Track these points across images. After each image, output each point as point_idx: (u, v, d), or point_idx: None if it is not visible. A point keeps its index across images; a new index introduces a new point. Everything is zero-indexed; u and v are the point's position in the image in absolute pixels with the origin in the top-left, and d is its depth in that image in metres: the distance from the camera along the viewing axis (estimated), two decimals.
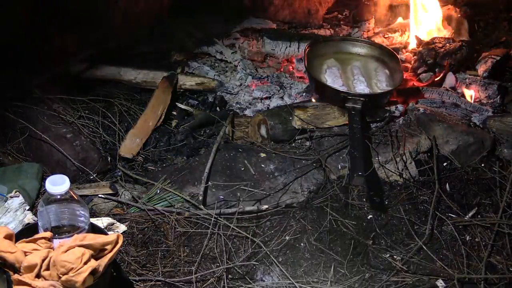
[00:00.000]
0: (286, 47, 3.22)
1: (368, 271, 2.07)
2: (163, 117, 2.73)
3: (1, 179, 2.20)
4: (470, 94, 2.93)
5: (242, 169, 2.38)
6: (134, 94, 2.92)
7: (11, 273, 1.45)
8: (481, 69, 3.07)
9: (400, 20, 3.59)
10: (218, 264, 2.01)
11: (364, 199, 2.31)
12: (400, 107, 2.79)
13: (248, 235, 2.10)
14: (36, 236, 1.51)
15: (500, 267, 2.13)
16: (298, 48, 3.21)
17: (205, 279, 1.96)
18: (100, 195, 2.26)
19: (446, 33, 3.37)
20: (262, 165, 2.40)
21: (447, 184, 2.44)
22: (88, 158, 2.46)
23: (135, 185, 2.38)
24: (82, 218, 1.55)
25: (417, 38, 3.37)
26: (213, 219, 2.12)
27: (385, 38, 3.45)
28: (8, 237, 1.48)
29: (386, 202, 2.33)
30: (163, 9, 3.46)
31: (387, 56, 2.99)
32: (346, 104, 2.56)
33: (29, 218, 2.02)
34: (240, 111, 2.88)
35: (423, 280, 2.05)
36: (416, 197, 2.36)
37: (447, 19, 3.45)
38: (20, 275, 1.44)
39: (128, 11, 3.24)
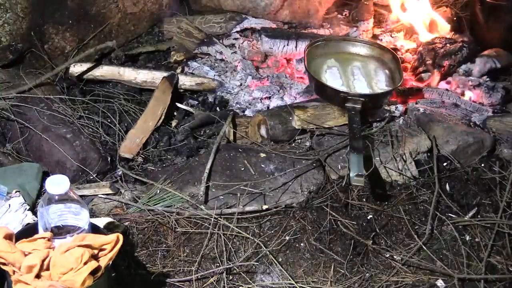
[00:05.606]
0: (284, 46, 3.21)
1: (368, 271, 2.07)
2: (163, 117, 2.73)
3: (1, 179, 2.19)
4: (469, 96, 2.92)
5: (242, 169, 2.38)
6: (134, 94, 2.92)
7: (11, 273, 1.45)
8: (476, 69, 3.05)
9: (398, 19, 3.59)
10: (218, 264, 2.01)
11: (367, 193, 2.31)
12: (400, 107, 2.78)
13: (248, 235, 2.10)
14: (36, 236, 1.51)
15: (500, 267, 2.13)
16: (296, 47, 3.20)
17: (205, 279, 1.96)
18: (100, 195, 2.26)
19: (446, 33, 3.37)
20: (262, 165, 2.40)
21: (447, 184, 2.44)
22: (88, 158, 2.45)
23: (135, 185, 2.38)
24: (82, 218, 1.55)
25: (417, 38, 3.37)
26: (213, 219, 2.11)
27: (384, 39, 3.45)
28: (8, 237, 1.48)
29: (386, 203, 2.34)
30: (162, 9, 3.46)
31: (387, 56, 2.99)
32: (346, 104, 2.56)
33: (29, 218, 2.02)
34: (240, 111, 2.88)
35: (423, 280, 2.05)
36: (416, 197, 2.36)
37: (447, 20, 3.45)
38: (20, 275, 1.44)
39: (127, 10, 3.24)
